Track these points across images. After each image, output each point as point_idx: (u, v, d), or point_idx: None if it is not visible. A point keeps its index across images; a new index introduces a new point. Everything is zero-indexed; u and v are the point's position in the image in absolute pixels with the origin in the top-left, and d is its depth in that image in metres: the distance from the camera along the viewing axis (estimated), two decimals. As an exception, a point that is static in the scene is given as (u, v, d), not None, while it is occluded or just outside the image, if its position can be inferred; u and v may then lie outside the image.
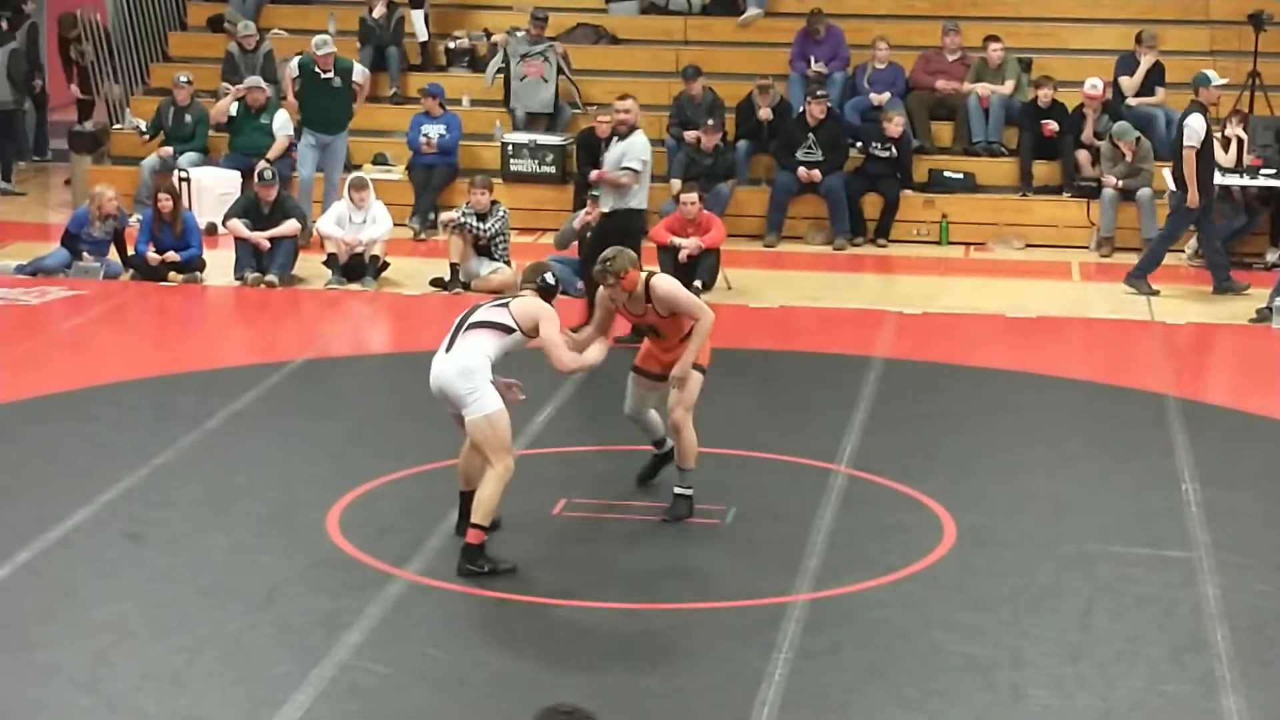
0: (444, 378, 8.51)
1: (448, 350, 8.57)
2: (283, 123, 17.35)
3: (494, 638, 7.77)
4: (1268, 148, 16.05)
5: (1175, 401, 11.59)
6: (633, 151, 12.83)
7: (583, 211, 14.51)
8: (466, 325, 8.64)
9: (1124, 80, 17.31)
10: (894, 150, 16.88)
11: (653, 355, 9.42)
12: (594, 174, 13.67)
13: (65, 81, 20.17)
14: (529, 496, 9.58)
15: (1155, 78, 17.45)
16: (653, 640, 7.77)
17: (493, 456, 8.42)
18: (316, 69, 16.44)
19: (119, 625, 7.80)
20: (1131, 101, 17.25)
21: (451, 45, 19.08)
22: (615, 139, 13.13)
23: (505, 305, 8.72)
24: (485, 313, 8.68)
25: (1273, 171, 15.95)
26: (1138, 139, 16.49)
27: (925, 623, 7.95)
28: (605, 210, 12.94)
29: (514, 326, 8.62)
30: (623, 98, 13.27)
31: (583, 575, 8.56)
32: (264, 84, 17.47)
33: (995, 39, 17.80)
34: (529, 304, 8.69)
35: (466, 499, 8.72)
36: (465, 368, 8.45)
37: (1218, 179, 16.05)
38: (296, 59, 16.83)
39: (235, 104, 17.37)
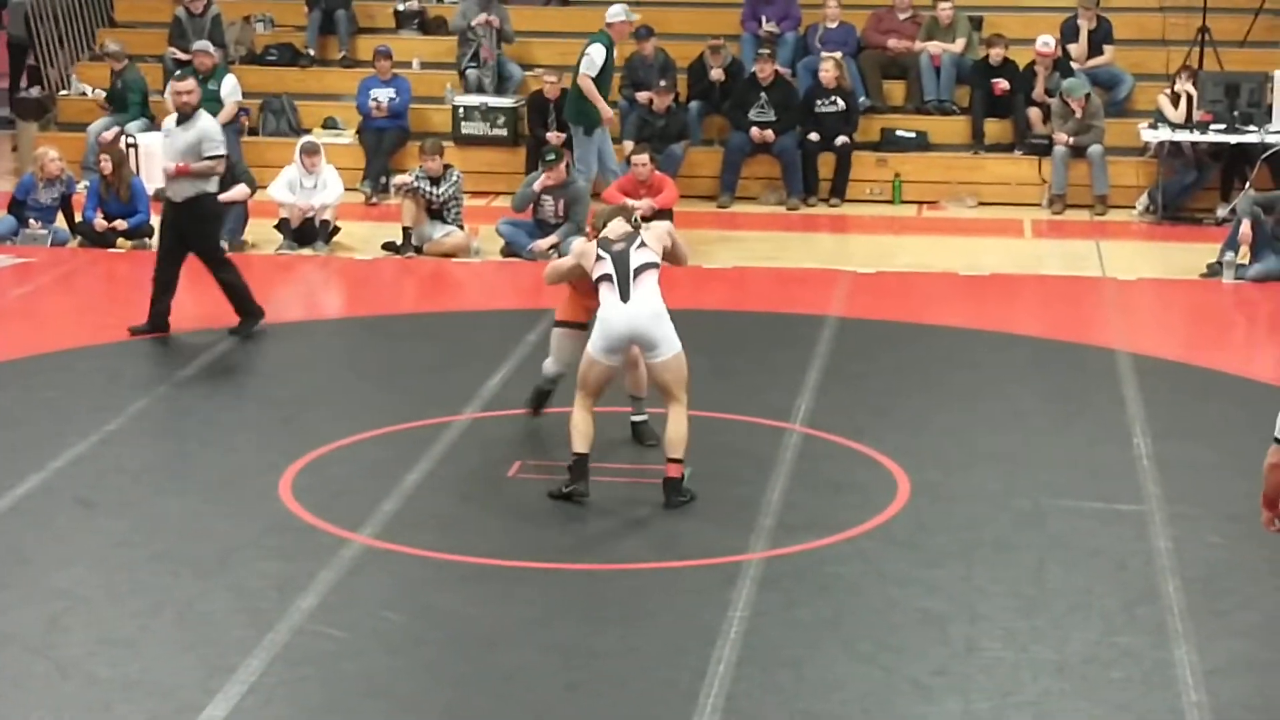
0: (641, 323, 8.82)
1: (627, 299, 8.82)
2: (231, 88, 17.29)
3: (449, 600, 7.76)
4: (1217, 103, 16.10)
5: (1127, 356, 11.64)
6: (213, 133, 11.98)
7: (541, 174, 14.46)
8: (633, 272, 8.88)
9: (1071, 47, 17.33)
10: (839, 102, 16.85)
11: (578, 304, 9.54)
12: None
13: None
14: (484, 458, 9.57)
15: (1102, 37, 17.48)
16: (609, 600, 7.77)
17: (681, 392, 8.90)
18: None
19: (72, 592, 7.76)
20: (1081, 64, 17.25)
21: (401, 8, 18.98)
22: (180, 122, 12.00)
23: (643, 244, 8.99)
24: (638, 256, 8.93)
25: (1222, 127, 16.00)
26: (1088, 95, 16.52)
27: (880, 578, 7.98)
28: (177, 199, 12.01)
29: (659, 260, 9.01)
30: (182, 78, 12.21)
31: (538, 536, 8.55)
32: (211, 48, 17.36)
33: (946, -2, 17.79)
34: (654, 231, 9.14)
35: (584, 460, 8.85)
36: (657, 311, 8.87)
37: (1168, 135, 16.12)
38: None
39: (181, 71, 17.29)
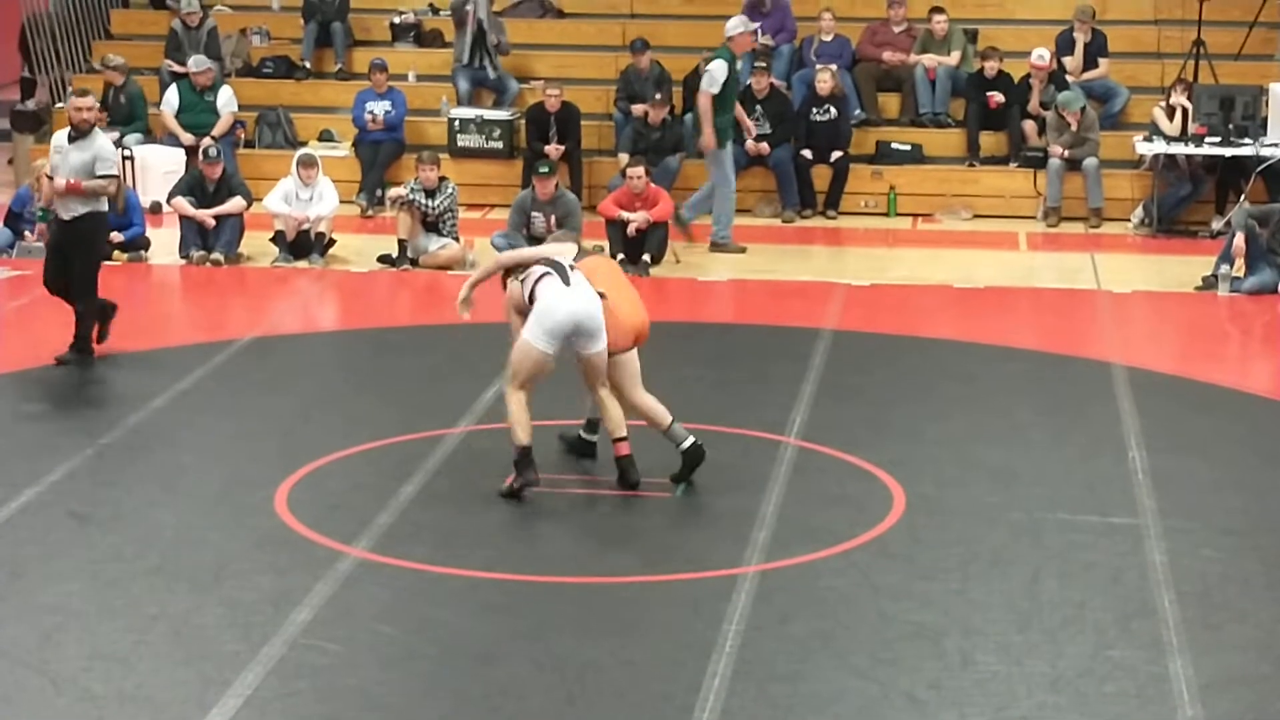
0: (590, 309, 9.00)
1: (571, 285, 9.00)
2: (227, 99, 17.33)
3: (444, 613, 7.76)
4: (1212, 116, 16.12)
5: (1122, 369, 11.65)
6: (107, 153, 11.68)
7: (531, 192, 14.49)
8: (571, 266, 9.13)
9: (1066, 60, 17.36)
10: (833, 112, 16.87)
11: None
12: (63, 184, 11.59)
13: (20, 59, 19.89)
14: (479, 471, 9.56)
15: (1097, 50, 17.51)
16: (604, 613, 7.77)
17: (604, 379, 9.17)
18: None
19: (66, 606, 7.75)
20: (1076, 78, 17.27)
21: (396, 20, 19.00)
22: (77, 139, 11.54)
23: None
24: (567, 254, 9.25)
25: (1217, 140, 16.03)
26: (1083, 108, 16.54)
27: (875, 592, 7.98)
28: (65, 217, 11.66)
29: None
30: (83, 93, 11.89)
31: (533, 549, 8.55)
32: (209, 63, 17.41)
33: (939, 10, 17.83)
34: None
35: (529, 452, 9.00)
36: (597, 302, 9.07)
37: (1163, 148, 16.15)
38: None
39: (177, 84, 17.36)
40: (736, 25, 15.26)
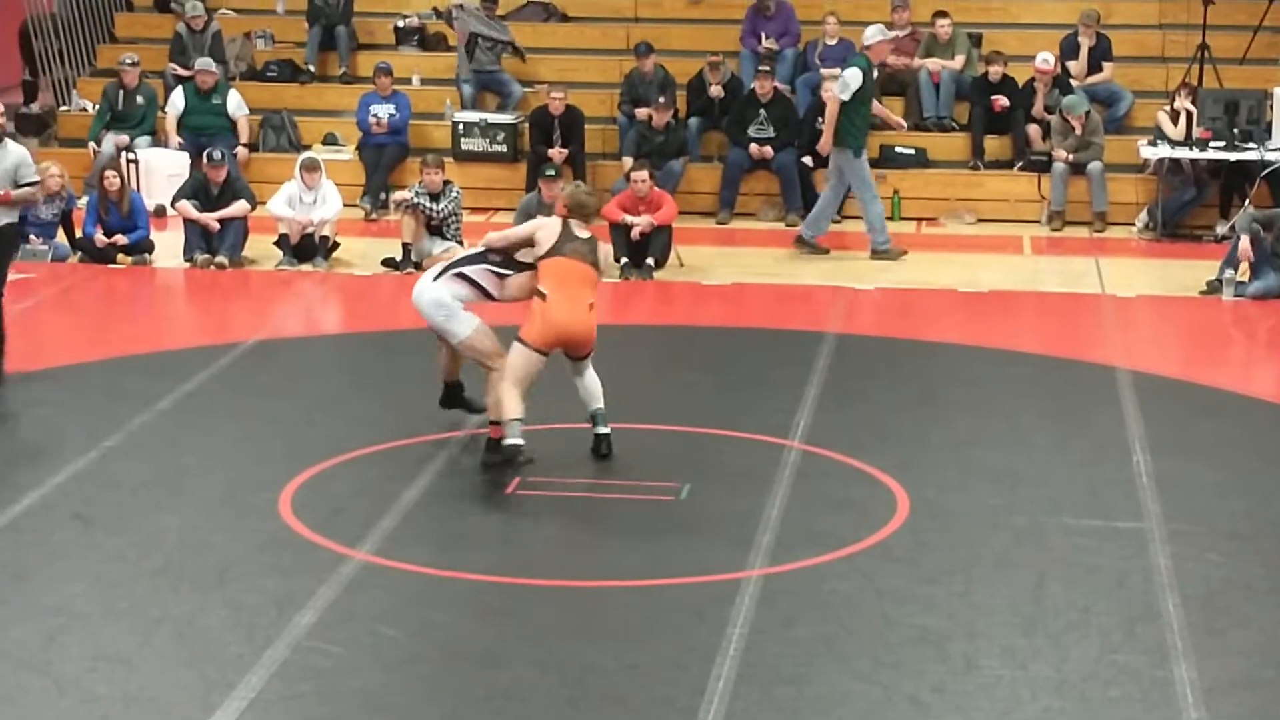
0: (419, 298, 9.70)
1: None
2: (237, 104, 17.33)
3: (447, 616, 7.76)
4: (1216, 120, 16.11)
5: (1126, 374, 11.64)
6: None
7: (537, 193, 14.50)
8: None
9: (1071, 64, 17.36)
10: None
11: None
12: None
13: (21, 62, 19.90)
14: (483, 475, 9.56)
15: (1101, 54, 17.50)
16: (607, 616, 7.76)
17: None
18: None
19: (70, 608, 7.75)
20: (1080, 82, 17.27)
21: (400, 24, 19.01)
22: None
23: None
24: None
25: (1222, 144, 16.02)
26: (1087, 112, 16.54)
27: (879, 596, 7.97)
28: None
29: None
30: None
31: (536, 552, 8.55)
32: (213, 66, 17.44)
33: (943, 15, 17.82)
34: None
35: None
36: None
37: (1167, 152, 16.14)
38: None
39: (182, 86, 17.38)
40: (875, 34, 15.20)
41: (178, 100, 17.41)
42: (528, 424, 9.51)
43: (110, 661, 7.23)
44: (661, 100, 16.96)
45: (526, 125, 17.31)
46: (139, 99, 17.59)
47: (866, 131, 15.32)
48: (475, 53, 17.89)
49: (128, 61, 17.62)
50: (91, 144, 17.34)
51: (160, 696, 6.95)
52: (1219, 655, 7.37)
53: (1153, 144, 16.31)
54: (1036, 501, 9.21)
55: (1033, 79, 17.16)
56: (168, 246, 15.14)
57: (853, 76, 14.96)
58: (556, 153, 16.64)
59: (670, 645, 7.43)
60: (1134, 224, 16.53)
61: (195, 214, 14.92)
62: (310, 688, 7.03)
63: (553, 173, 14.50)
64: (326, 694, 6.99)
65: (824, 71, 17.45)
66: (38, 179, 11.59)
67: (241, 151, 17.17)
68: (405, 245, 14.75)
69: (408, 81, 18.15)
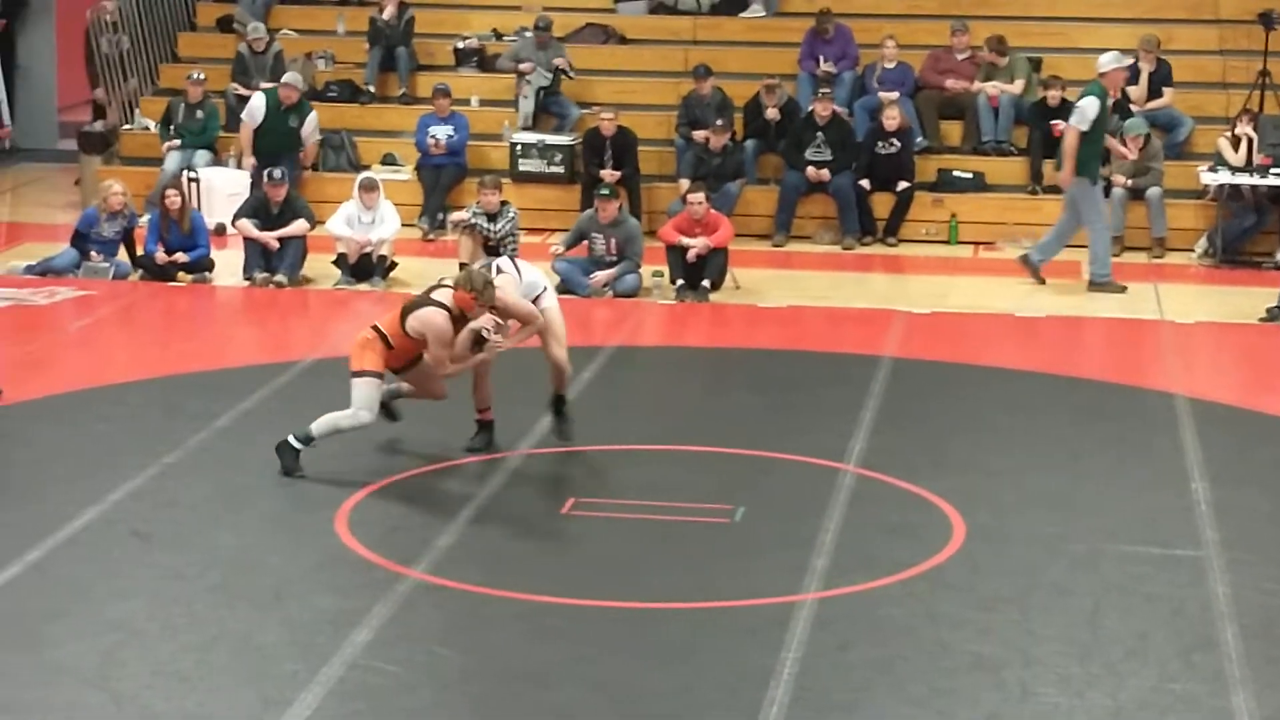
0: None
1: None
2: (313, 127, 17.29)
3: (502, 636, 7.77)
4: (1277, 146, 16.03)
5: (1184, 400, 11.57)
6: None
7: (593, 211, 14.54)
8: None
9: (1131, 90, 17.28)
10: (897, 144, 16.86)
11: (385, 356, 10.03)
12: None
13: (87, 79, 20.04)
14: (538, 495, 9.59)
15: (1161, 80, 17.43)
16: (661, 639, 7.76)
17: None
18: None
19: (128, 624, 7.80)
20: (1140, 107, 17.19)
21: (460, 45, 19.09)
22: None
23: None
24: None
25: (1282, 170, 15.92)
26: (1147, 137, 16.45)
27: (933, 621, 7.95)
28: None
29: None
30: None
31: (590, 574, 8.56)
32: (300, 83, 17.32)
33: (999, 40, 17.74)
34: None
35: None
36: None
37: (1228, 178, 16.05)
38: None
39: (265, 95, 17.23)
40: (1110, 61, 15.08)
41: (258, 109, 17.15)
42: (579, 445, 9.52)
43: (168, 678, 7.27)
44: (719, 122, 16.97)
45: (582, 146, 17.35)
46: (199, 113, 17.71)
47: (1100, 161, 15.10)
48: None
49: (195, 77, 17.74)
50: (164, 146, 17.51)
51: (217, 713, 6.98)
52: (1278, 684, 7.31)
53: (1213, 170, 16.23)
54: (1093, 528, 9.16)
55: (1092, 104, 17.07)
56: (227, 265, 15.24)
57: (1090, 105, 14.77)
58: (609, 174, 16.68)
59: (724, 668, 7.43)
60: (1193, 250, 16.44)
61: (255, 233, 15.02)
62: (365, 706, 7.06)
63: (607, 192, 14.55)
64: (381, 713, 7.02)
65: (882, 95, 17.44)
66: None
67: (305, 175, 17.25)
68: (462, 265, 14.79)
69: (466, 103, 18.23)
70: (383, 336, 9.94)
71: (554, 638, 7.75)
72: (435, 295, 9.89)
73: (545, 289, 10.37)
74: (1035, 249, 15.41)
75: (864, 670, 7.41)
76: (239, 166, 17.50)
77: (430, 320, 9.76)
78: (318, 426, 9.88)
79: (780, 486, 9.85)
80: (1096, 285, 15.07)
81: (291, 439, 9.85)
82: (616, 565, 8.69)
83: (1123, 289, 15.03)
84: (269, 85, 17.49)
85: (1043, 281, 15.19)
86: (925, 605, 8.12)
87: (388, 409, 10.45)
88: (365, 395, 9.89)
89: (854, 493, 9.68)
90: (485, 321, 9.76)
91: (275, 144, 17.03)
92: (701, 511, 9.30)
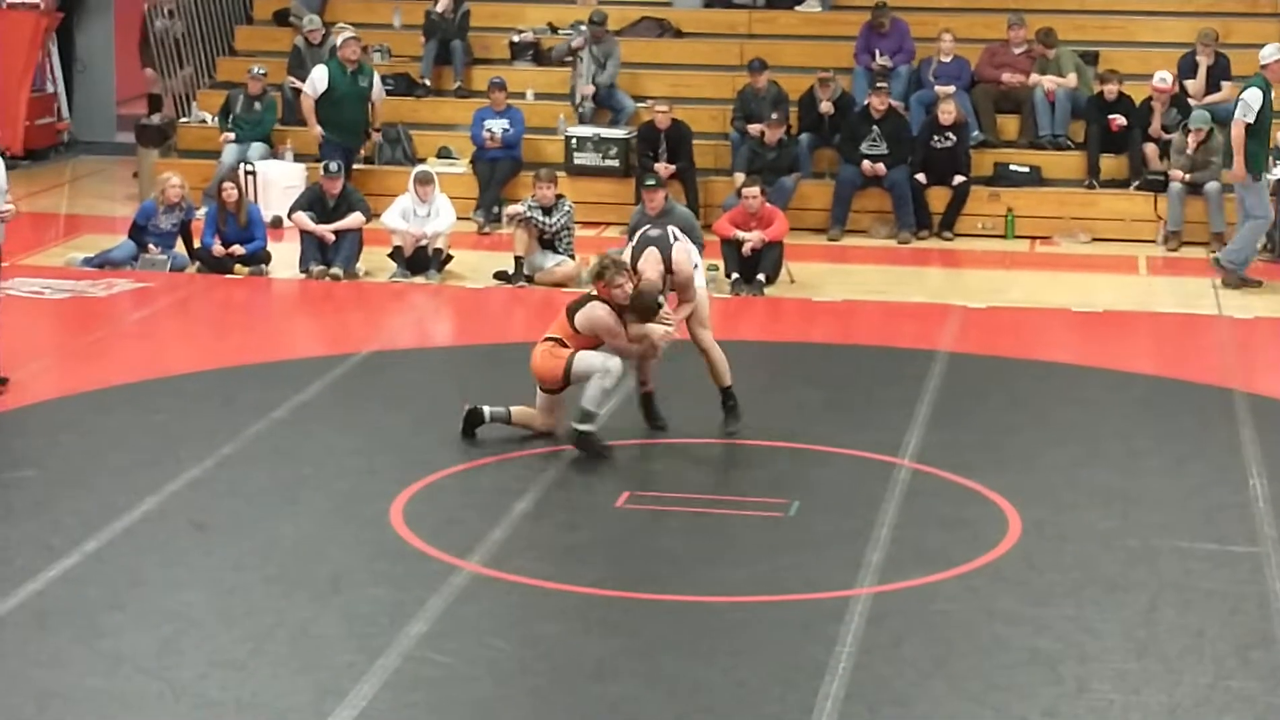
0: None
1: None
2: (379, 87, 17.22)
3: (556, 629, 7.79)
4: (1335, 140, 15.88)
5: (1242, 396, 11.50)
6: None
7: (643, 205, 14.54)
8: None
9: (1189, 83, 17.17)
10: (953, 139, 16.80)
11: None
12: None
13: (141, 68, 20.17)
14: (592, 488, 9.61)
15: (1220, 73, 17.31)
16: (715, 632, 7.77)
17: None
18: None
19: (186, 613, 7.85)
20: (1198, 101, 17.07)
21: (515, 39, 19.13)
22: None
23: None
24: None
25: (1340, 164, 15.78)
26: (1210, 131, 16.31)
27: (989, 616, 7.93)
28: None
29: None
30: None
31: (645, 567, 8.57)
32: (352, 30, 17.18)
33: (1047, 33, 17.65)
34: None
35: None
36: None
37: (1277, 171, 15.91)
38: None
39: (325, 66, 17.07)
40: (1272, 53, 14.93)
41: (320, 79, 16.91)
42: (633, 439, 9.55)
43: (225, 668, 7.32)
44: (774, 116, 16.95)
45: (636, 140, 17.36)
46: (257, 105, 17.80)
47: (1265, 152, 14.96)
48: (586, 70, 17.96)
49: (256, 71, 17.82)
50: (223, 137, 17.64)
51: (273, 703, 7.03)
52: (1336, 683, 7.27)
53: (1271, 164, 16.09)
54: (1150, 524, 9.12)
55: (1149, 98, 17.00)
56: (284, 257, 15.31)
57: (1253, 97, 14.62)
58: (663, 167, 16.68)
59: (778, 662, 7.43)
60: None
61: (311, 225, 15.08)
62: (421, 698, 7.09)
63: (653, 182, 14.54)
64: (436, 704, 7.05)
65: (939, 89, 17.38)
66: (10, 208, 11.42)
67: (374, 136, 17.19)
68: (517, 259, 14.83)
69: (522, 96, 18.26)
70: (559, 342, 10.23)
71: (609, 631, 7.77)
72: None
73: (698, 266, 10.67)
74: (1226, 253, 15.01)
75: (919, 665, 7.40)
76: (296, 159, 17.61)
77: (593, 315, 10.18)
78: (589, 400, 10.05)
79: (835, 481, 9.84)
80: (1223, 269, 14.82)
81: (579, 426, 10.01)
82: (671, 559, 8.70)
83: (1258, 284, 14.81)
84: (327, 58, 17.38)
85: (1259, 284, 14.86)
86: (980, 600, 8.10)
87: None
88: (596, 359, 10.14)
89: (909, 487, 9.66)
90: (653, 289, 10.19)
91: (351, 111, 16.87)
92: (756, 505, 9.30)
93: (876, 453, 10.22)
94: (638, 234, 10.82)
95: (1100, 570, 8.50)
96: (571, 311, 10.31)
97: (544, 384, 10.34)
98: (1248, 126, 14.56)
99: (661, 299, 10.25)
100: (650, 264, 10.42)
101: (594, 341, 10.28)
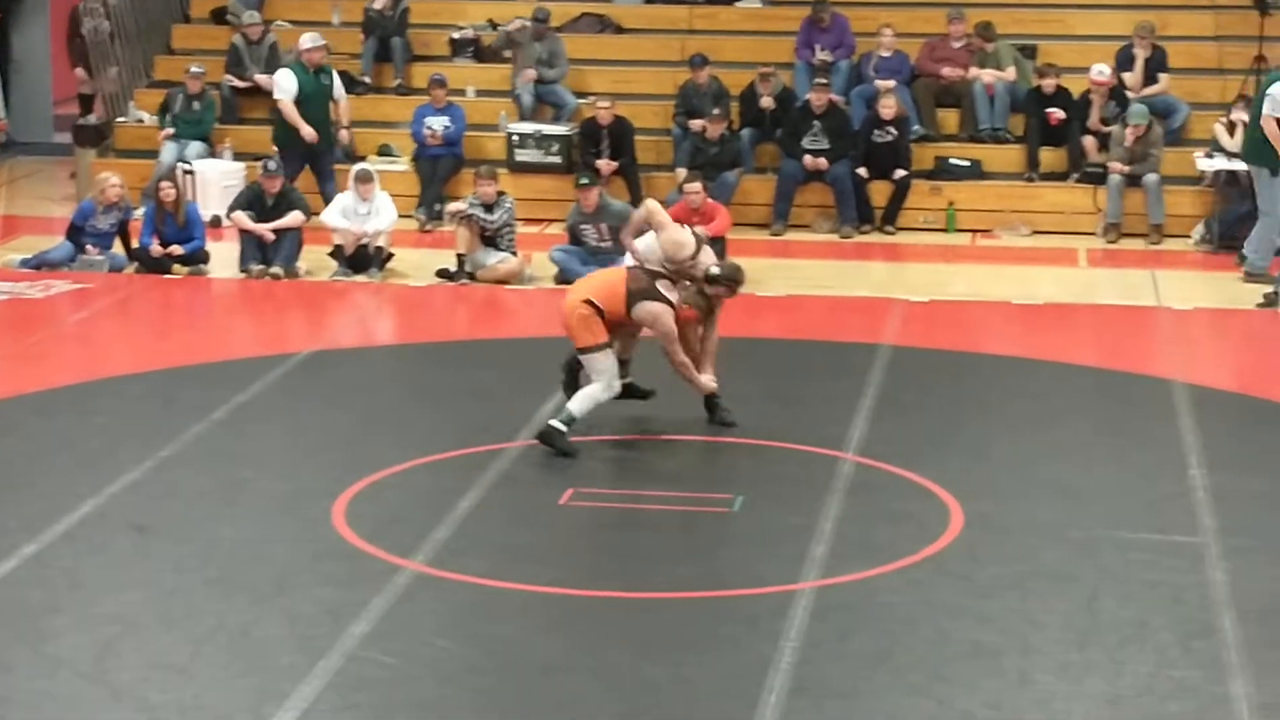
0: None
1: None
2: (340, 89, 16.79)
3: (501, 628, 7.77)
4: (1274, 132, 15.96)
5: (1183, 387, 11.57)
6: None
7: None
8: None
9: (1126, 76, 17.27)
10: (893, 133, 16.84)
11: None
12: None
13: (70, 69, 20.00)
14: (537, 486, 9.58)
15: (1157, 66, 17.41)
16: (661, 629, 7.76)
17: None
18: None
19: (126, 616, 7.79)
20: (1136, 93, 17.16)
21: (456, 36, 19.06)
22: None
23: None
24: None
25: (1278, 156, 15.86)
26: (1149, 124, 16.40)
27: (933, 609, 7.94)
28: None
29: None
30: None
31: (590, 564, 8.56)
32: (317, 39, 16.72)
33: (986, 26, 17.69)
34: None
35: None
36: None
37: (1224, 164, 16.02)
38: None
39: (289, 69, 16.58)
40: None
41: (289, 83, 16.34)
42: (578, 434, 9.55)
43: (165, 670, 7.27)
44: (716, 111, 16.95)
45: (578, 136, 17.32)
46: (196, 104, 17.67)
47: None
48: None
49: (195, 70, 17.68)
50: (163, 134, 17.48)
51: (214, 706, 6.98)
52: (1276, 671, 7.31)
53: (1209, 156, 16.20)
54: (1092, 515, 9.16)
55: (1088, 91, 17.08)
56: (223, 257, 15.22)
57: (1279, 90, 14.55)
58: (605, 164, 16.66)
59: (724, 658, 7.42)
60: (1190, 236, 16.42)
61: (250, 225, 15.00)
62: (364, 699, 7.05)
63: (586, 180, 14.55)
64: (380, 705, 7.01)
65: (879, 83, 17.42)
66: None
67: (345, 134, 16.94)
68: (459, 256, 14.79)
69: (462, 93, 18.20)
70: (597, 311, 10.13)
71: (554, 629, 7.75)
72: (660, 287, 10.23)
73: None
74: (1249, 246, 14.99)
75: (863, 659, 7.41)
76: (234, 158, 17.51)
77: (661, 318, 10.16)
78: (577, 405, 10.07)
79: (780, 475, 9.84)
80: (1252, 277, 14.84)
81: (555, 423, 9.99)
82: (616, 556, 8.68)
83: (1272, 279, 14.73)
84: (289, 61, 17.03)
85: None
86: (924, 593, 8.12)
87: (633, 388, 10.61)
88: (609, 365, 10.18)
89: (853, 481, 9.68)
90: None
91: (315, 111, 16.39)
92: (701, 501, 9.30)
93: (821, 447, 10.24)
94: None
95: (1043, 562, 8.53)
96: (632, 297, 10.17)
97: (580, 344, 10.21)
98: (1278, 121, 14.57)
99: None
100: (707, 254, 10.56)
101: (622, 329, 10.28)
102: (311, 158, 16.40)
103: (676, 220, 14.68)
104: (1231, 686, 7.16)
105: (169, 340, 13.12)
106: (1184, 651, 7.50)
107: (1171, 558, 8.56)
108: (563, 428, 9.98)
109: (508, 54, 18.34)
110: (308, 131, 16.28)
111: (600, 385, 10.14)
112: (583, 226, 14.60)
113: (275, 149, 16.37)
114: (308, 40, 16.70)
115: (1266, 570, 8.41)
